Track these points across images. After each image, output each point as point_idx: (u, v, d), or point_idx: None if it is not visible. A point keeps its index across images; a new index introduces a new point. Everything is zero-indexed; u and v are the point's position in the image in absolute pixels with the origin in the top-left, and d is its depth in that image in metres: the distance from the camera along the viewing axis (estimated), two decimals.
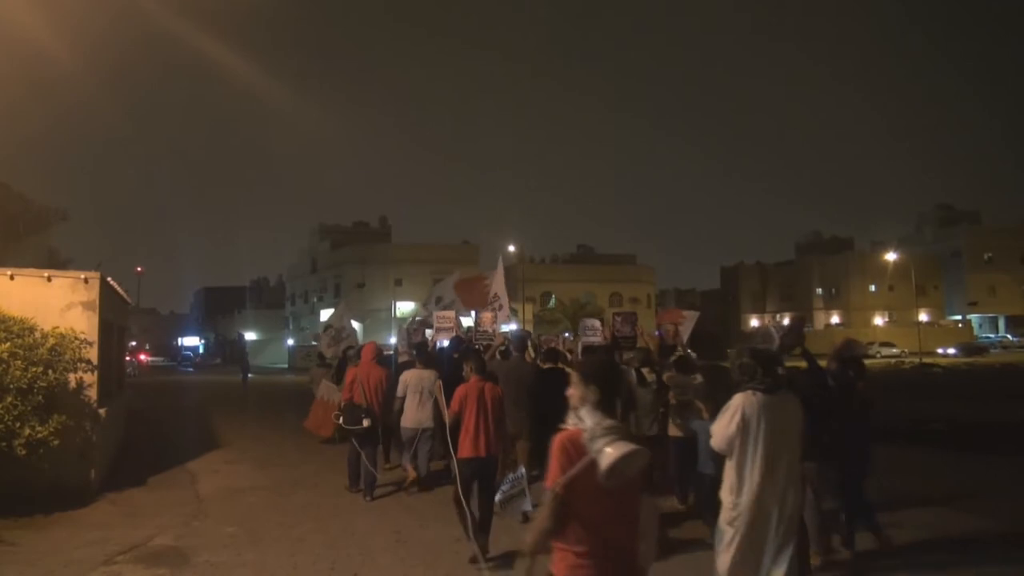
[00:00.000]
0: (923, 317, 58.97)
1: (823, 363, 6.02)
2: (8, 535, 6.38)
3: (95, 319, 8.34)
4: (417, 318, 11.73)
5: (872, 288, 67.03)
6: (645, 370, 7.12)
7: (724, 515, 4.08)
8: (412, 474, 8.18)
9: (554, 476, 2.50)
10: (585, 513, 2.47)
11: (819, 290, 70.40)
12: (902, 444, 11.15)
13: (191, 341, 76.39)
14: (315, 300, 57.77)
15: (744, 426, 4.03)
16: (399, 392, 8.14)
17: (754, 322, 74.67)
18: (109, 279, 9.52)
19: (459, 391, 5.86)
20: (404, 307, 43.65)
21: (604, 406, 2.60)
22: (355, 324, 14.43)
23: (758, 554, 3.98)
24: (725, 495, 4.11)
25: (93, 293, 8.40)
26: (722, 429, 4.09)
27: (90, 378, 8.08)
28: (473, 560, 5.34)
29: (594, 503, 2.46)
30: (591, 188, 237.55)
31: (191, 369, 55.30)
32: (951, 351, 49.62)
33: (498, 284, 10.49)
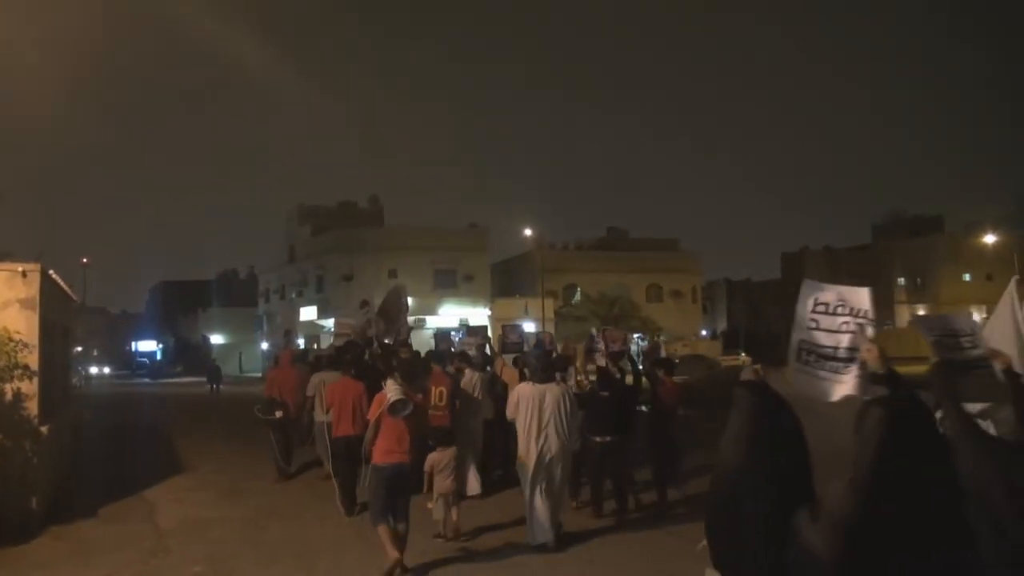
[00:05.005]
0: None
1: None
2: None
3: (35, 319, 8.43)
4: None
5: (966, 277, 66.32)
6: (527, 369, 9.76)
7: (519, 462, 7.54)
8: (328, 469, 9.81)
9: (374, 412, 6.72)
10: (386, 428, 6.64)
11: (901, 280, 69.81)
12: None
13: (147, 345, 77.06)
14: (293, 296, 57.90)
15: (521, 404, 7.50)
16: (309, 392, 10.69)
17: None
18: (51, 272, 9.62)
19: (329, 388, 9.63)
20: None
21: (402, 379, 6.86)
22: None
23: (539, 486, 7.34)
24: (519, 450, 7.52)
25: (33, 288, 8.49)
26: (509, 406, 7.69)
27: (29, 388, 8.18)
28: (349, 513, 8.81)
29: (391, 424, 6.62)
30: (623, 160, 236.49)
31: (147, 379, 55.90)
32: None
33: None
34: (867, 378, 3.70)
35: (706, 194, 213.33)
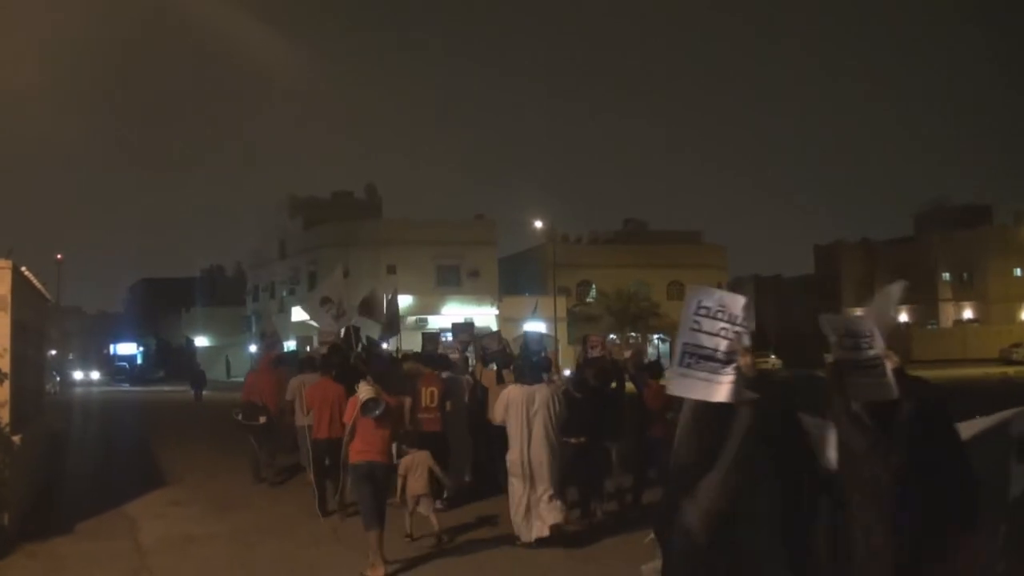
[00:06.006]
0: None
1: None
2: None
3: (6, 319, 8.48)
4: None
5: (1017, 272, 66.05)
6: (505, 372, 10.70)
7: (508, 467, 8.14)
8: (311, 477, 10.29)
9: (349, 415, 7.42)
10: (360, 429, 7.28)
11: (946, 275, 69.54)
12: None
13: (126, 348, 77.39)
14: (284, 294, 58.04)
15: (511, 406, 8.11)
16: (288, 396, 11.38)
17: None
18: (23, 270, 9.67)
19: (309, 390, 10.21)
20: (399, 302, 43.65)
21: (373, 381, 7.47)
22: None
23: (530, 486, 7.94)
24: (511, 452, 8.10)
25: (3, 287, 8.54)
26: (498, 409, 8.33)
27: (0, 393, 8.22)
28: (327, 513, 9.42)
29: (365, 424, 7.26)
30: (641, 146, 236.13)
31: (127, 385, 56.19)
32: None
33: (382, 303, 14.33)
34: (742, 383, 4.31)
35: (732, 182, 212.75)
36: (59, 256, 53.94)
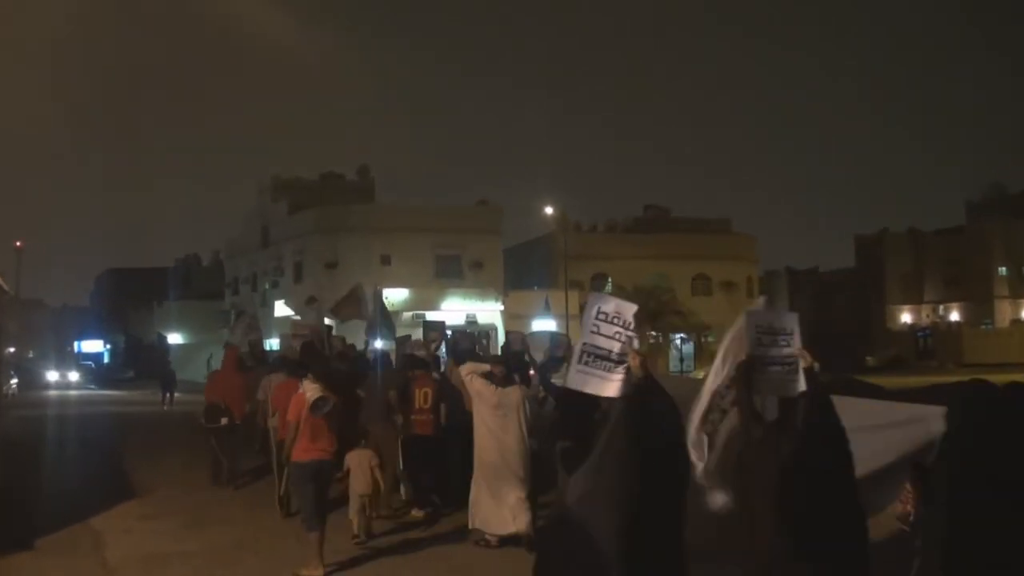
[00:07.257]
0: None
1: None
2: None
3: None
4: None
5: None
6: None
7: (475, 467, 8.63)
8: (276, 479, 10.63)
9: (294, 413, 8.10)
10: (305, 428, 7.94)
11: (1002, 269, 69.34)
12: None
13: (92, 345, 77.66)
14: (267, 286, 58.02)
15: (480, 403, 8.60)
16: (260, 395, 12.05)
17: (906, 317, 73.75)
18: None
19: (276, 389, 10.63)
20: (394, 296, 43.69)
21: (319, 381, 8.20)
22: (327, 322, 15.75)
23: (497, 495, 8.44)
24: (476, 456, 8.64)
25: None
26: (465, 376, 8.91)
27: None
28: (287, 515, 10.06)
29: (313, 423, 7.94)
30: (663, 125, 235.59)
31: (92, 386, 56.42)
32: None
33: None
34: (631, 381, 5.20)
35: (764, 167, 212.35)
36: (18, 243, 53.93)
